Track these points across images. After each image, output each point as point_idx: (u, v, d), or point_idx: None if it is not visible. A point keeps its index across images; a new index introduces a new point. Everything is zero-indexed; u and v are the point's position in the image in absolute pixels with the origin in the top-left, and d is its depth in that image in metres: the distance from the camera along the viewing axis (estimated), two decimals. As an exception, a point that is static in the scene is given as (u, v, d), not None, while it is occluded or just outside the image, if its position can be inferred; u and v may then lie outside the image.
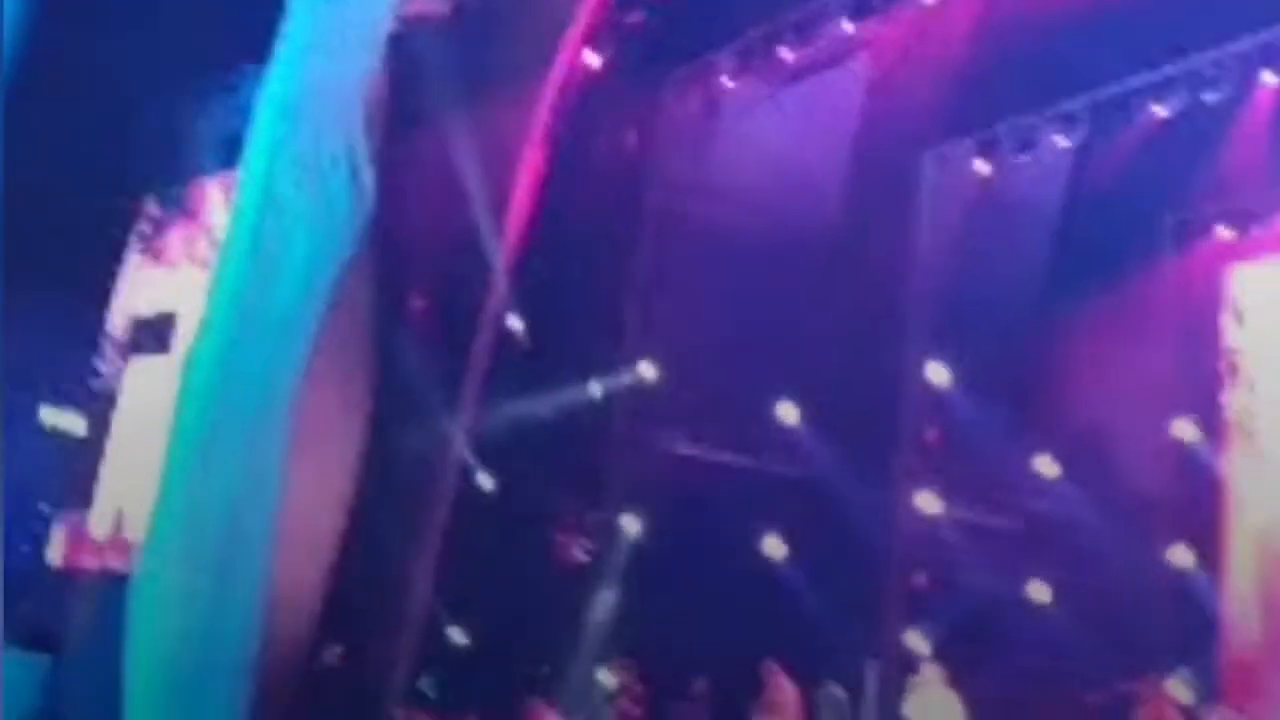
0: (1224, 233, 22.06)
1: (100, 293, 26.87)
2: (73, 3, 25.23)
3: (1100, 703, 17.46)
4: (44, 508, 27.60)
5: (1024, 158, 22.14)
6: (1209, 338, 21.68)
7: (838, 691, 18.25)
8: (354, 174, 22.85)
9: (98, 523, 25.20)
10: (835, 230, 22.55)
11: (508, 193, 23.86)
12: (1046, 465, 21.76)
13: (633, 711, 19.09)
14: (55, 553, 26.06)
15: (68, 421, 27.66)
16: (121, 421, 25.62)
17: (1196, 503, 20.98)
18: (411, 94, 22.64)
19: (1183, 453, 21.30)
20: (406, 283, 23.51)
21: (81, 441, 26.87)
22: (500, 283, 23.65)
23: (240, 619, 21.26)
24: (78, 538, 25.65)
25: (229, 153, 25.89)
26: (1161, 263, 21.79)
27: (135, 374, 25.76)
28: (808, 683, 18.46)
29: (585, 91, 24.06)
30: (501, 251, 23.65)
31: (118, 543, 24.49)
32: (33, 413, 28.43)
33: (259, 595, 21.18)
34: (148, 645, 22.22)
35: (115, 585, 23.72)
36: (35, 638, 25.94)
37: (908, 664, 19.69)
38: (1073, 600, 20.69)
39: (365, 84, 22.92)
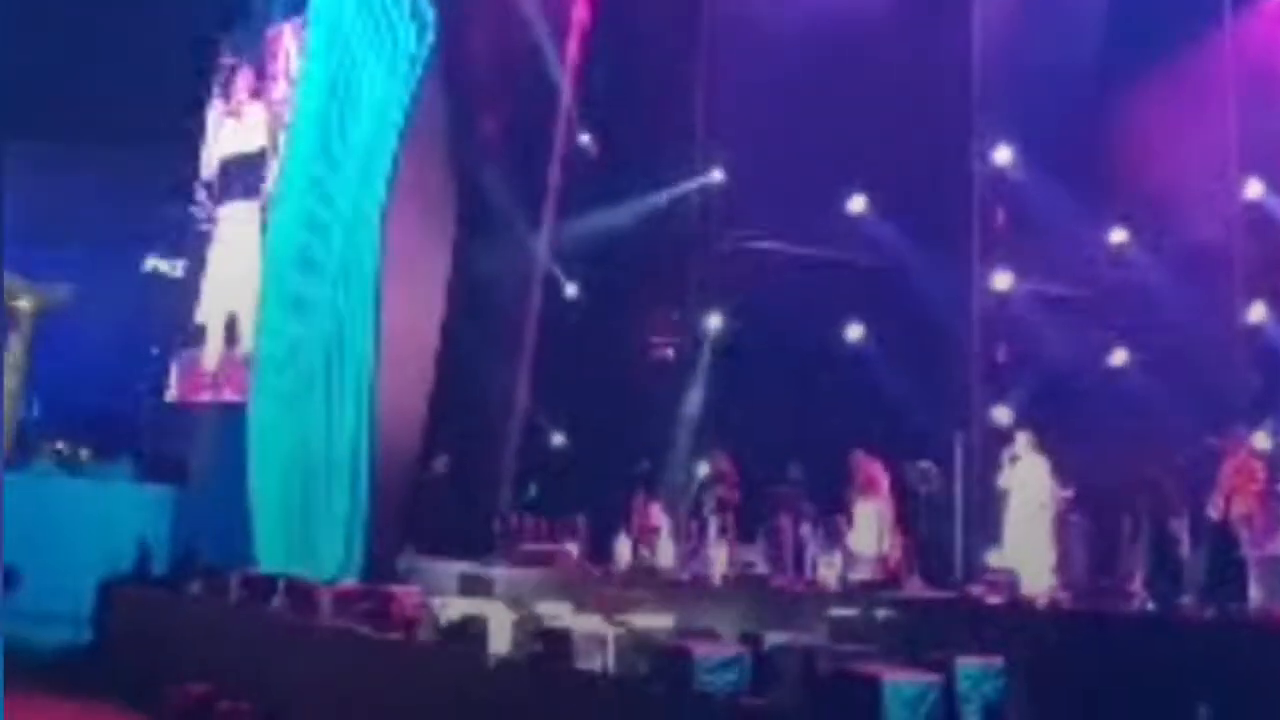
0: (1282, -9, 22.00)
1: (187, 143, 27.52)
2: None
3: (1186, 458, 17.79)
4: (155, 349, 28.54)
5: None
6: (1272, 96, 21.69)
7: (928, 465, 18.67)
8: (415, 9, 23.28)
9: (208, 358, 26.06)
10: (891, 18, 22.64)
11: (566, 10, 24.17)
12: (1118, 234, 22.00)
13: (731, 497, 19.63)
14: (171, 390, 26.97)
15: (169, 267, 28.51)
16: (221, 261, 26.35)
17: (1269, 259, 21.14)
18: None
19: (1252, 210, 21.44)
20: (477, 107, 23.94)
21: (184, 284, 27.69)
22: (567, 98, 24.05)
23: (351, 436, 22.19)
24: (190, 374, 26.51)
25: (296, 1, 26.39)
26: (1220, 27, 21.74)
27: (229, 215, 26.43)
28: (899, 460, 18.88)
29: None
30: (565, 68, 24.03)
31: (229, 375, 25.34)
32: (136, 262, 29.30)
33: (367, 412, 22.07)
34: (268, 467, 23.22)
35: (231, 415, 24.66)
36: (161, 470, 27.05)
37: (994, 435, 20.19)
38: (1152, 363, 21.00)
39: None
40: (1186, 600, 15.44)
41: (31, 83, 24.99)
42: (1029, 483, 17.55)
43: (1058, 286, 21.89)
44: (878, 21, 22.61)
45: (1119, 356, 21.19)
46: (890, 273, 22.12)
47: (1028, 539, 17.28)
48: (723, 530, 19.43)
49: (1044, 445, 17.72)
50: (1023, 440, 17.81)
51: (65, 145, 27.82)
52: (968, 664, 11.18)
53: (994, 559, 18.09)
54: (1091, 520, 17.82)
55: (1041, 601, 15.53)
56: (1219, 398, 19.65)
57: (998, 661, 11.46)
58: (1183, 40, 21.33)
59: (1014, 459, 17.77)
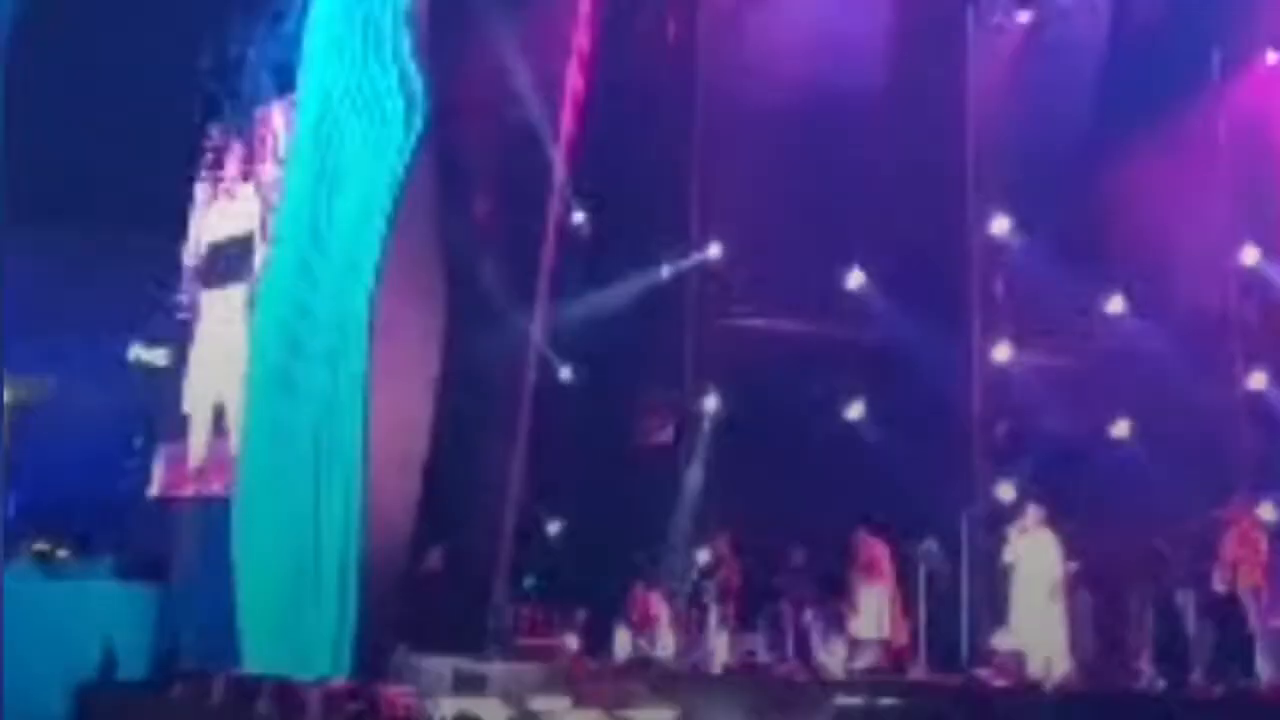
0: (1271, 56, 21.94)
1: (173, 227, 27.41)
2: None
3: (1189, 530, 17.66)
4: (137, 442, 28.30)
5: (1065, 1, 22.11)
6: (1265, 160, 21.63)
7: (933, 545, 18.51)
8: (405, 88, 23.22)
9: (193, 450, 25.85)
10: (884, 93, 22.65)
11: (558, 90, 24.13)
12: (1115, 304, 21.88)
13: (732, 584, 19.45)
14: (154, 484, 26.74)
15: (154, 356, 28.28)
16: (207, 349, 26.19)
17: (1268, 325, 21.03)
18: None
19: (1249, 276, 21.34)
20: (468, 187, 23.86)
21: (169, 374, 27.49)
22: (560, 178, 23.96)
23: (340, 532, 21.95)
24: (175, 467, 26.31)
25: (282, 79, 26.33)
26: (1212, 91, 21.70)
27: (216, 301, 26.29)
28: (901, 540, 18.73)
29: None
30: (559, 146, 23.95)
31: (216, 468, 25.13)
32: (121, 352, 29.08)
33: (357, 504, 21.86)
34: (254, 560, 22.97)
35: (217, 509, 24.44)
36: (142, 568, 26.74)
37: (999, 513, 20.01)
38: (1154, 433, 20.86)
39: (410, 4, 23.29)
40: (1194, 676, 15.28)
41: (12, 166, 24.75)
42: (1038, 558, 17.31)
43: (1058, 358, 21.76)
44: (872, 97, 22.65)
45: (1120, 427, 21.04)
46: (890, 348, 21.96)
47: (1037, 617, 17.04)
48: (724, 618, 19.25)
49: (1053, 519, 17.40)
50: (1032, 514, 17.60)
51: (47, 230, 27.58)
52: None
53: (1000, 639, 17.85)
54: (1097, 595, 17.63)
55: (1048, 684, 15.36)
56: (1222, 467, 19.50)
57: None
58: (1174, 106, 21.29)
59: (1022, 532, 17.53)
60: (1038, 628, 16.93)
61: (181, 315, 27.52)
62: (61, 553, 28.52)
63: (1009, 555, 17.60)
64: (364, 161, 23.32)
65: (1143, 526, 18.58)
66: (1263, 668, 15.38)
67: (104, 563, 27.54)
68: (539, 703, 15.71)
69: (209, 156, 27.69)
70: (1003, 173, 21.99)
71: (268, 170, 26.15)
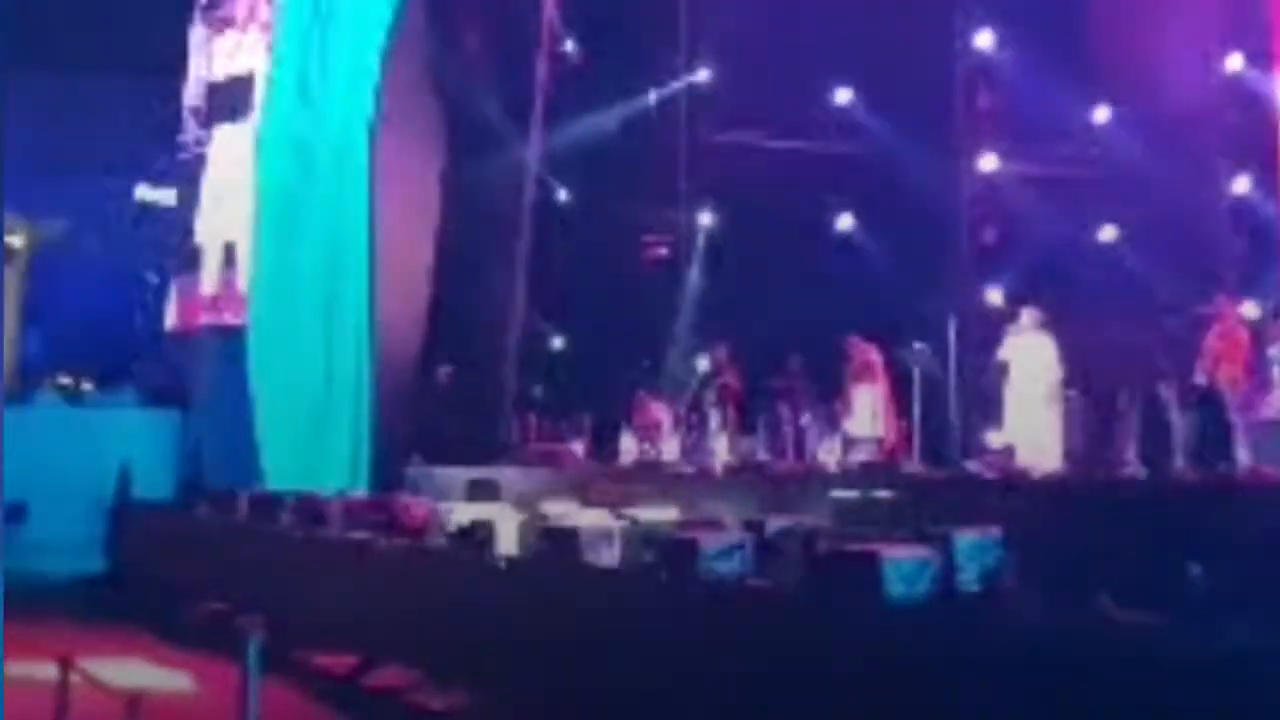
0: None
1: (174, 69, 27.48)
2: None
3: (1174, 326, 17.98)
4: (151, 276, 28.64)
5: None
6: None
7: (924, 348, 18.83)
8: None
9: (205, 283, 26.17)
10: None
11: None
12: (1101, 113, 22.13)
13: (731, 389, 19.81)
14: (170, 317, 27.10)
15: (161, 195, 28.51)
16: (214, 186, 26.40)
17: (1251, 131, 21.24)
18: None
19: (1234, 83, 21.54)
20: (460, 22, 23.97)
21: (177, 212, 27.73)
22: (549, 7, 24.07)
23: (353, 351, 22.40)
24: (189, 300, 26.64)
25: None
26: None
27: (219, 139, 26.44)
28: (894, 344, 19.07)
29: None
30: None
31: (228, 299, 25.48)
32: (128, 191, 29.31)
33: (367, 328, 22.28)
34: (272, 386, 23.43)
35: (233, 338, 24.83)
36: (162, 395, 27.21)
37: (987, 316, 20.42)
38: (1140, 237, 21.19)
39: None
40: (1177, 464, 15.66)
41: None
42: (1034, 359, 17.58)
43: (1044, 167, 22.04)
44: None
45: (1107, 232, 21.39)
46: (878, 161, 22.28)
47: (1031, 416, 17.36)
48: (724, 422, 19.66)
49: (1048, 322, 17.80)
50: (1027, 315, 17.81)
51: (55, 77, 27.76)
52: (965, 536, 11.37)
53: (996, 436, 18.28)
54: (1085, 393, 18.00)
55: (1036, 474, 15.76)
56: (1206, 268, 19.86)
57: (995, 531, 11.66)
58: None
59: (1018, 333, 17.82)
60: (1031, 426, 17.24)
61: (185, 155, 27.66)
62: (85, 385, 29.04)
63: (1004, 354, 17.87)
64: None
65: (1129, 326, 18.98)
66: (1240, 455, 15.73)
67: (126, 392, 28.04)
68: (549, 505, 16.05)
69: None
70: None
71: (264, 10, 26.16)
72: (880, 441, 18.47)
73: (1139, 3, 21.39)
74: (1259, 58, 21.36)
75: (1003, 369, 17.90)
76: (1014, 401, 17.68)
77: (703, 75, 23.75)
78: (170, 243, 27.54)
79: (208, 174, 26.60)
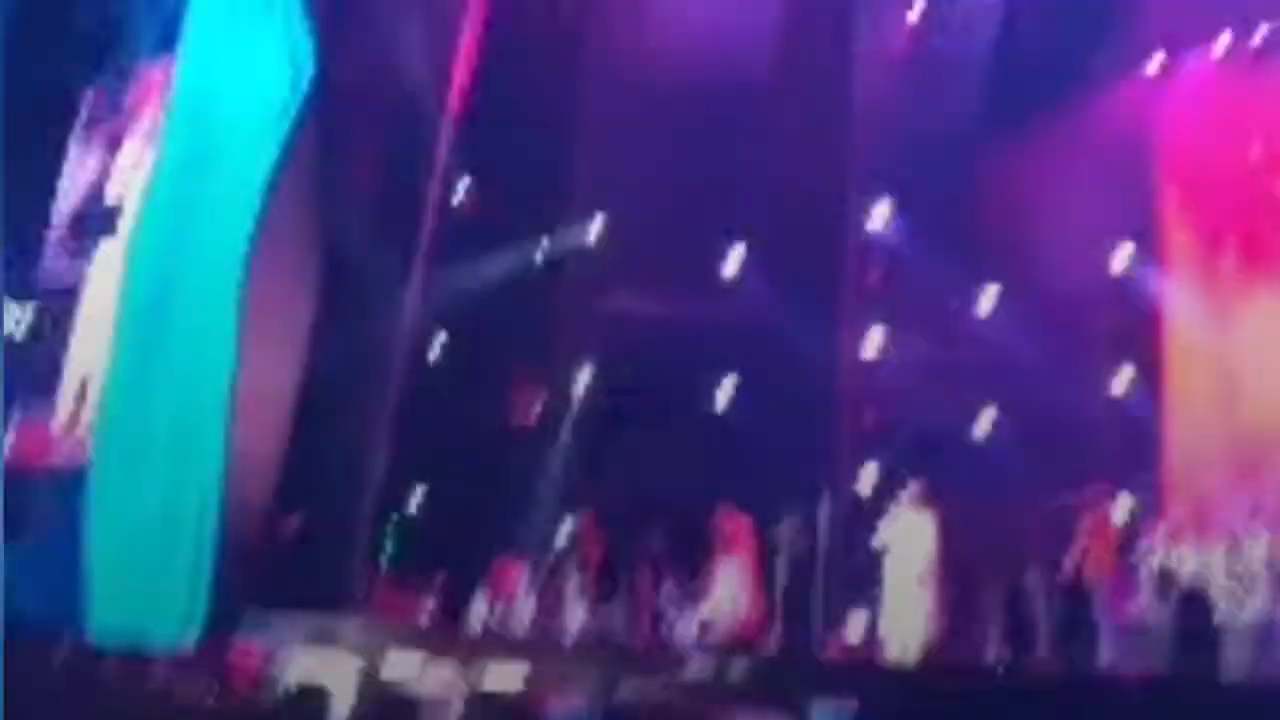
0: (1156, 60, 22.21)
1: (44, 187, 26.84)
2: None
3: (1042, 516, 17.89)
4: (-1, 409, 27.72)
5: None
6: (1143, 164, 21.90)
7: (793, 526, 18.54)
8: (291, 54, 22.90)
9: (59, 416, 25.34)
10: (773, 79, 22.76)
11: (448, 57, 23.95)
12: (988, 298, 22.07)
13: (592, 558, 19.41)
14: (12, 453, 26.16)
15: (14, 322, 27.64)
16: (79, 316, 25.68)
17: (1135, 327, 21.33)
18: (349, -36, 22.77)
19: (1121, 278, 21.62)
20: (349, 156, 23.60)
21: (36, 338, 26.91)
22: (443, 148, 23.78)
23: (199, 494, 21.59)
24: (33, 435, 25.76)
25: (167, 37, 25.90)
26: (1095, 93, 21.94)
27: (82, 265, 25.79)
28: (763, 521, 18.76)
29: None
30: (444, 118, 23.77)
31: (74, 436, 24.65)
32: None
33: (217, 470, 21.50)
34: (110, 521, 22.54)
35: (74, 476, 23.97)
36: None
37: (861, 496, 20.15)
38: (1018, 426, 21.10)
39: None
40: (1039, 655, 15.48)
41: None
42: (910, 539, 17.36)
43: (928, 349, 21.95)
44: (761, 82, 22.77)
45: (985, 418, 21.25)
46: (763, 331, 22.06)
47: (904, 599, 17.13)
48: (582, 590, 19.16)
49: (929, 500, 17.47)
50: (908, 496, 17.59)
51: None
52: (822, 709, 11.05)
53: (857, 620, 18.00)
54: (953, 578, 17.72)
55: (898, 654, 15.49)
56: (1081, 460, 19.72)
57: (851, 705, 11.32)
58: (1058, 105, 21.53)
59: (897, 512, 17.56)
60: (902, 607, 17.03)
61: (51, 277, 26.95)
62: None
63: (881, 532, 17.63)
64: (244, 128, 22.94)
65: (1000, 513, 18.80)
66: (1103, 651, 15.61)
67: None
68: (392, 661, 15.52)
69: (86, 114, 27.14)
70: (884, 163, 22.19)
71: (145, 130, 25.70)
72: (742, 619, 18.01)
73: (1031, 190, 21.43)
74: (1147, 254, 21.50)
75: (880, 548, 17.58)
76: (889, 583, 17.37)
77: (593, 232, 23.47)
78: (20, 375, 26.66)
79: (69, 300, 25.90)
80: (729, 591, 18.21)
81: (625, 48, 24.07)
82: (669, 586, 18.88)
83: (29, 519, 25.19)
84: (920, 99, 22.48)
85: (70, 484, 23.26)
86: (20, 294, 27.82)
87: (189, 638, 19.33)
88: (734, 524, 18.68)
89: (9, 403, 26.77)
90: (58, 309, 25.90)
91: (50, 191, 26.73)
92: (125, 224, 24.90)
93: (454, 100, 24.01)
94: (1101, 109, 21.98)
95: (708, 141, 22.50)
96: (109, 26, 26.63)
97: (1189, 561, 16.59)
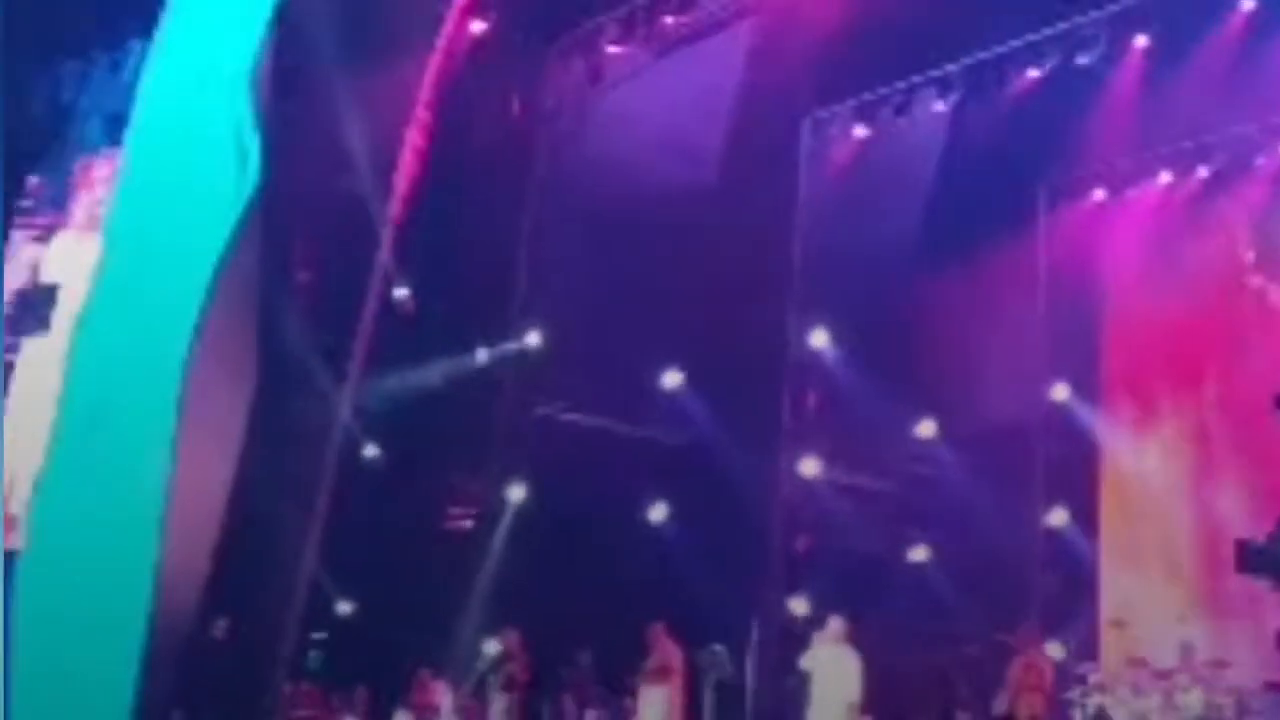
0: (1098, 194, 22.33)
1: (-15, 275, 26.53)
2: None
3: (975, 655, 17.75)
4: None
5: (901, 121, 22.27)
6: (1083, 298, 21.96)
7: (721, 651, 18.33)
8: (240, 148, 22.72)
9: (-17, 503, 24.95)
10: (716, 196, 22.66)
11: (393, 161, 23.79)
12: (925, 428, 22.01)
13: (519, 677, 19.13)
14: (-78, 538, 25.72)
15: (-45, 404, 27.26)
16: (11, 402, 25.31)
17: (1072, 463, 21.28)
18: (296, 62, 22.52)
19: (1058, 413, 21.60)
20: (291, 254, 23.41)
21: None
22: (385, 252, 23.58)
23: (128, 596, 21.17)
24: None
25: (114, 130, 25.67)
26: (1036, 225, 22.02)
27: (23, 353, 25.44)
28: (692, 645, 18.55)
29: (470, 58, 24.05)
30: (387, 220, 23.58)
31: (11, 523, 24.24)
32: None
33: (145, 570, 21.09)
34: (32, 623, 22.10)
35: (5, 566, 23.57)
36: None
37: (790, 625, 19.95)
38: (951, 560, 20.98)
39: (251, 58, 22.86)
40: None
41: None
42: (835, 670, 17.16)
43: (864, 477, 21.87)
44: (705, 197, 22.65)
45: (919, 551, 21.13)
46: (698, 451, 21.99)
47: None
48: (507, 711, 18.86)
49: (854, 635, 17.32)
50: (833, 626, 17.41)
51: None
52: None
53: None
54: (880, 715, 17.55)
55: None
56: (1014, 598, 19.65)
57: None
58: (999, 235, 21.60)
59: (822, 642, 17.38)
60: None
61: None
62: None
63: (807, 664, 17.44)
64: (188, 220, 22.67)
65: (931, 649, 18.65)
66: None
67: None
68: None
69: (28, 203, 26.87)
70: (825, 286, 22.12)
71: (87, 220, 25.46)
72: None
73: (969, 320, 21.44)
74: (1086, 389, 21.50)
75: (804, 678, 17.40)
76: (813, 714, 17.14)
77: (533, 341, 23.28)
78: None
79: (10, 389, 25.51)
80: (657, 716, 17.97)
81: (571, 160, 24.06)
82: (592, 712, 18.62)
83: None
84: (862, 220, 22.44)
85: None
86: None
87: (112, 740, 18.92)
88: (668, 648, 18.48)
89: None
90: (-12, 395, 25.59)
91: (-9, 276, 26.46)
92: (58, 317, 24.66)
93: (396, 205, 23.87)
94: (1044, 238, 22.06)
95: (650, 255, 22.41)
96: (58, 118, 26.45)
97: (1123, 709, 16.50)
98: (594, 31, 23.65)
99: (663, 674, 18.36)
